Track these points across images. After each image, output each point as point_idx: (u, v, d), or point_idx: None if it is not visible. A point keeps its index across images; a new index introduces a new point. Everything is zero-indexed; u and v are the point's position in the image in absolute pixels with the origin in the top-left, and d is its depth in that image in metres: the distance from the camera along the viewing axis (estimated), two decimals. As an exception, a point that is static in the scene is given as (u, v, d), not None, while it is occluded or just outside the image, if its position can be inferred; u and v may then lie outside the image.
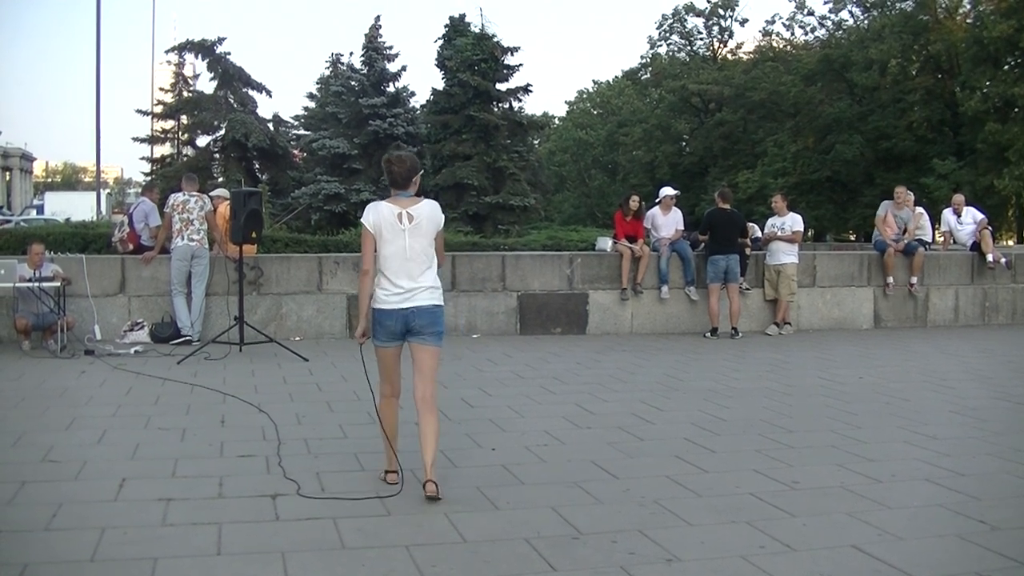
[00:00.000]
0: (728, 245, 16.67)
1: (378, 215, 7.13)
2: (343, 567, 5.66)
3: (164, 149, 52.17)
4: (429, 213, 7.21)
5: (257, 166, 45.91)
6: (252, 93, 47.48)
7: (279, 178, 44.13)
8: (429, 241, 7.19)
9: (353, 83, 43.90)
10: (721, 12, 69.44)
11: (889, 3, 54.92)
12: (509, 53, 41.85)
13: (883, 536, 6.24)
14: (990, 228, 19.67)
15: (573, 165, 79.25)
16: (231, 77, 46.32)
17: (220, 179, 40.09)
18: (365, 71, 43.79)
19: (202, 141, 47.82)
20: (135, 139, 50.28)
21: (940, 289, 18.98)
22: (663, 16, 72.93)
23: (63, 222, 33.07)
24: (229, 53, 46.31)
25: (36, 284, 13.75)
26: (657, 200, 17.76)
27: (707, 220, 17.35)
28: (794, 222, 17.45)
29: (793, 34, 64.81)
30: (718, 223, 16.92)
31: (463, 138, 40.05)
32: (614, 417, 9.92)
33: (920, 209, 19.85)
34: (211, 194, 16.89)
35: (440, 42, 42.82)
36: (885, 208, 18.94)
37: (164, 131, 50.82)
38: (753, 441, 8.88)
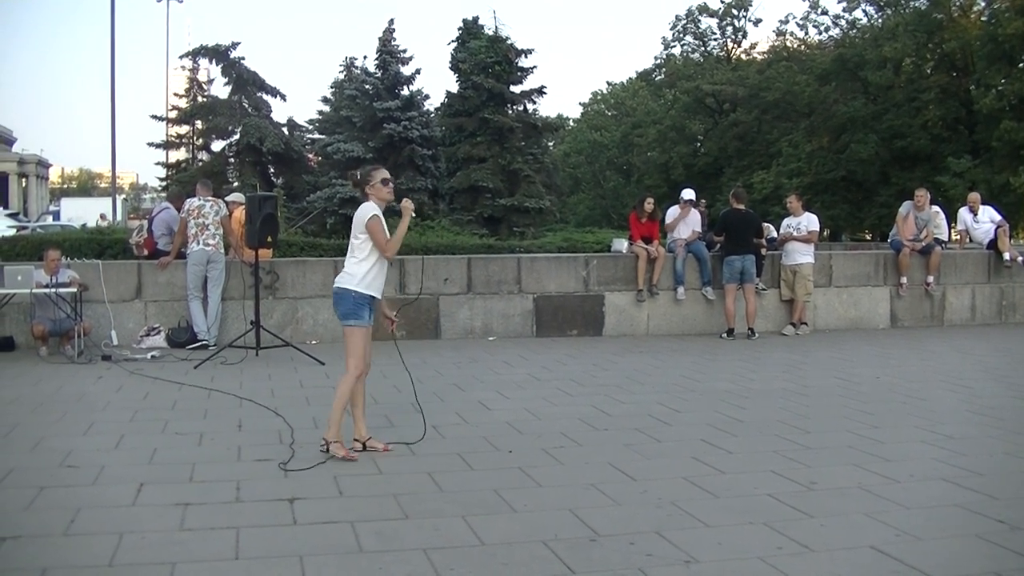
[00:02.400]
0: (743, 246, 16.65)
1: None
2: (361, 571, 5.67)
3: (179, 154, 52.25)
4: (357, 213, 8.39)
5: (272, 170, 45.94)
6: (266, 98, 47.50)
7: (294, 182, 44.13)
8: (355, 235, 8.39)
9: (367, 87, 43.82)
10: (735, 12, 69.20)
11: (903, 2, 54.68)
12: (523, 55, 41.74)
13: (901, 536, 6.24)
14: (1007, 226, 19.58)
15: (588, 167, 79.09)
16: (245, 82, 46.33)
17: (235, 184, 40.13)
18: (379, 74, 43.72)
19: (217, 146, 47.86)
20: (150, 144, 50.32)
21: (957, 288, 18.94)
22: (677, 17, 72.70)
23: (79, 228, 33.12)
24: (243, 58, 46.33)
25: (53, 290, 13.80)
26: (686, 200, 17.69)
27: (722, 221, 17.34)
28: (809, 222, 17.43)
29: (807, 34, 64.61)
30: (733, 224, 16.90)
31: (477, 141, 39.99)
32: (631, 419, 9.93)
33: (936, 208, 19.78)
34: (226, 199, 16.96)
35: (454, 45, 42.76)
36: (907, 208, 18.87)
37: (179, 136, 50.85)
38: (770, 442, 8.88)
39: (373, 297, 8.31)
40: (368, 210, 8.24)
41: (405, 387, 11.46)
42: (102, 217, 52.64)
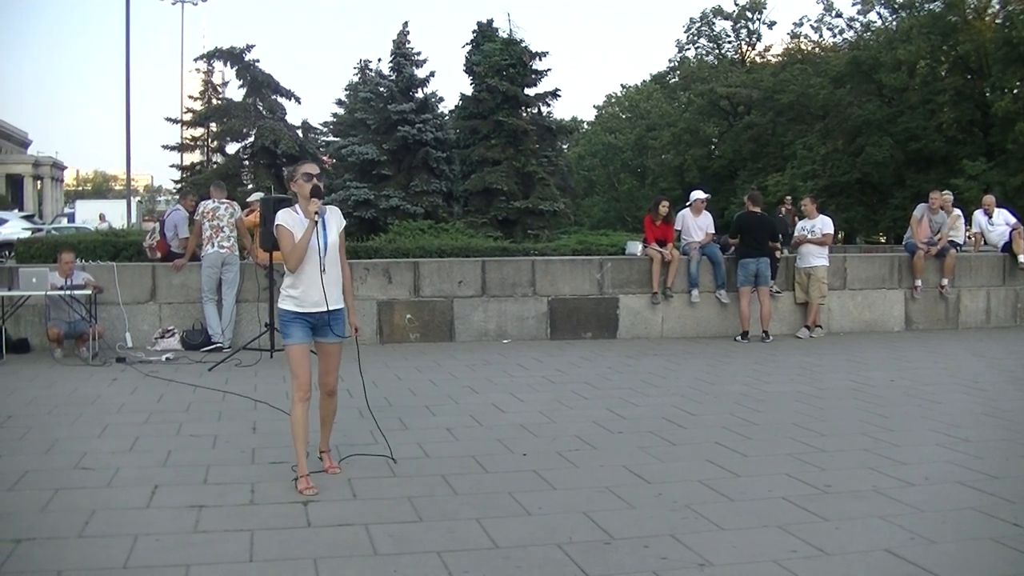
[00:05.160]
0: (758, 248, 16.62)
1: None
2: (375, 573, 5.67)
3: (194, 157, 52.35)
4: None
5: (286, 173, 45.97)
6: (281, 100, 47.61)
7: (309, 185, 44.09)
8: None
9: (382, 89, 43.78)
10: (749, 15, 69.27)
11: (917, 4, 54.59)
12: (537, 58, 41.71)
13: (916, 540, 6.22)
14: (1022, 228, 19.50)
15: (602, 169, 79.14)
16: (260, 84, 46.44)
17: (250, 186, 40.16)
18: (393, 77, 43.68)
19: (231, 148, 47.99)
20: (165, 147, 50.54)
21: (971, 291, 18.89)
22: (691, 20, 72.87)
23: (94, 230, 33.12)
24: (258, 60, 46.51)
25: (67, 292, 13.82)
26: (688, 203, 17.74)
27: (737, 223, 17.30)
28: (824, 225, 17.38)
29: (821, 36, 64.55)
30: (748, 226, 16.87)
31: (492, 143, 39.94)
32: (646, 421, 9.92)
33: (957, 211, 19.81)
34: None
35: (468, 47, 42.77)
36: (922, 211, 18.85)
37: (194, 139, 51.00)
38: (785, 445, 8.86)
39: (306, 313, 7.56)
40: (276, 218, 7.65)
41: (420, 390, 11.53)
42: (101, 218, 52.77)
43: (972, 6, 51.75)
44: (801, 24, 67.75)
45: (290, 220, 7.58)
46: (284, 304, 7.61)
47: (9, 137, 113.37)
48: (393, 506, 6.91)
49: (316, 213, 7.52)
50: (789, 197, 22.38)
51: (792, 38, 66.48)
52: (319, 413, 7.92)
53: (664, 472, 7.89)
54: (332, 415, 7.96)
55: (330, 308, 7.59)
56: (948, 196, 20.17)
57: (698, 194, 17.85)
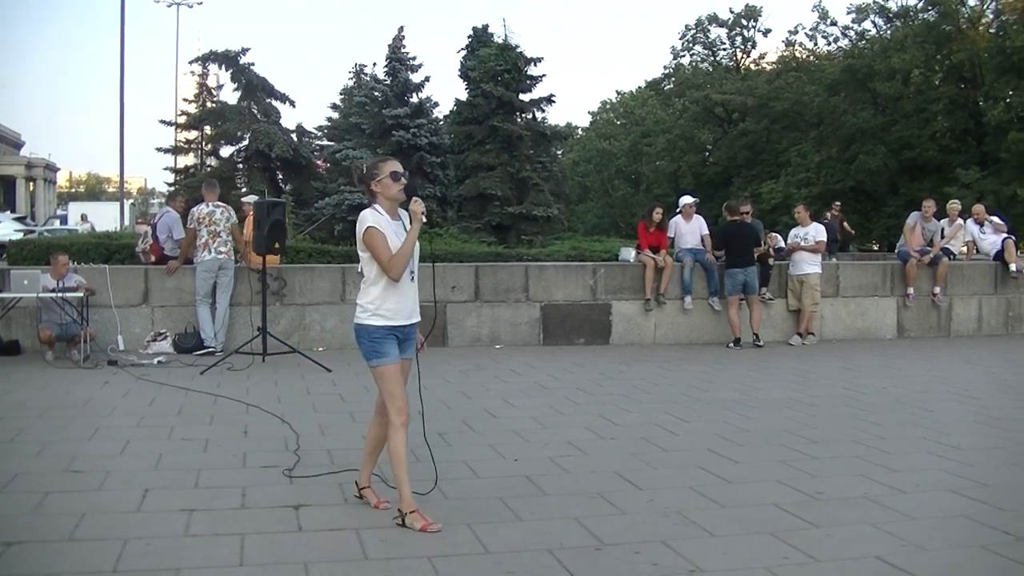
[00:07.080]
0: (744, 258, 16.60)
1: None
2: (366, 578, 5.66)
3: (188, 159, 52.26)
4: (357, 223, 6.88)
5: (280, 176, 45.91)
6: (276, 104, 47.51)
7: (303, 188, 44.10)
8: (360, 251, 6.96)
9: (376, 94, 43.85)
10: (744, 22, 69.36)
11: (912, 13, 54.75)
12: (532, 64, 41.78)
13: (907, 547, 6.22)
14: (1013, 237, 19.54)
15: (596, 175, 79.12)
16: (255, 88, 46.37)
17: (244, 189, 40.12)
18: (388, 81, 43.71)
19: (226, 151, 47.86)
20: (159, 149, 50.52)
21: (963, 299, 18.91)
22: (686, 27, 72.94)
23: (81, 231, 32.98)
24: (253, 64, 46.35)
25: (59, 295, 13.79)
26: (678, 210, 17.74)
27: (720, 235, 17.29)
28: (817, 232, 17.41)
29: (816, 44, 64.79)
30: (732, 236, 16.88)
31: (486, 148, 39.98)
32: (637, 428, 9.91)
33: (960, 221, 19.89)
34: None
35: (463, 53, 42.82)
36: (915, 219, 18.93)
37: (188, 141, 50.93)
38: (777, 452, 8.86)
39: (399, 326, 6.96)
40: (364, 220, 6.70)
41: (412, 395, 11.50)
42: (83, 219, 52.74)
43: (966, 15, 51.91)
44: (796, 32, 67.80)
45: (382, 222, 6.73)
46: (371, 320, 6.88)
47: (2, 138, 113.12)
48: (384, 511, 6.89)
49: (422, 213, 6.70)
50: (838, 203, 22.50)
51: (787, 46, 66.73)
52: (371, 439, 7.21)
53: (656, 478, 7.88)
54: (383, 445, 7.04)
55: (419, 320, 7.08)
56: (957, 204, 20.34)
57: (686, 199, 17.84)
